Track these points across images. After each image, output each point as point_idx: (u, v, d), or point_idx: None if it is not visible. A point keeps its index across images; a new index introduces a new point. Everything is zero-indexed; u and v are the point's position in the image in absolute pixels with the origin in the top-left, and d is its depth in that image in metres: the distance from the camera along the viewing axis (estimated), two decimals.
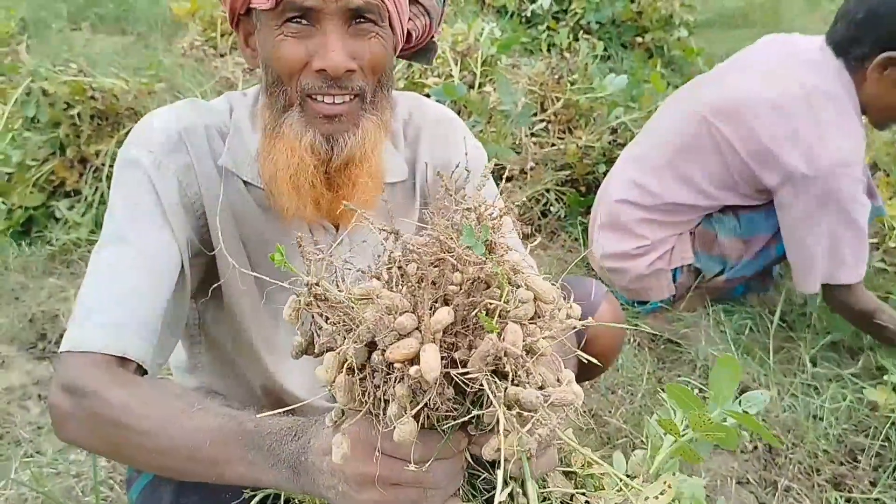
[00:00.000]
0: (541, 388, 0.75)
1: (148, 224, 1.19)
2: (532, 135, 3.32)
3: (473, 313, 0.76)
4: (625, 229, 2.55)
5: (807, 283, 2.41)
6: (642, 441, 2.11)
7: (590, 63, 3.82)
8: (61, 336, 2.47)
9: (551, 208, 3.16)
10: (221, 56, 4.70)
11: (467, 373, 0.73)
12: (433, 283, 0.75)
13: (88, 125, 2.99)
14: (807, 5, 6.56)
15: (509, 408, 0.74)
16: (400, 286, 0.79)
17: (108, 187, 3.01)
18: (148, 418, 0.99)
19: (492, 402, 0.73)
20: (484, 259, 0.76)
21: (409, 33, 1.28)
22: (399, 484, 0.83)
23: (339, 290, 0.79)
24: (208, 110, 1.30)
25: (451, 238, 0.77)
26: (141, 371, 1.13)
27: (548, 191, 3.16)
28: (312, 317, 0.81)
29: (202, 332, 1.44)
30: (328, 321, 0.79)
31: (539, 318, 0.79)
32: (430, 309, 0.75)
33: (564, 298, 0.82)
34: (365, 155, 1.19)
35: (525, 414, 0.74)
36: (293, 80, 1.15)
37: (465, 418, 0.79)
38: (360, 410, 0.80)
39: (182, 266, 1.21)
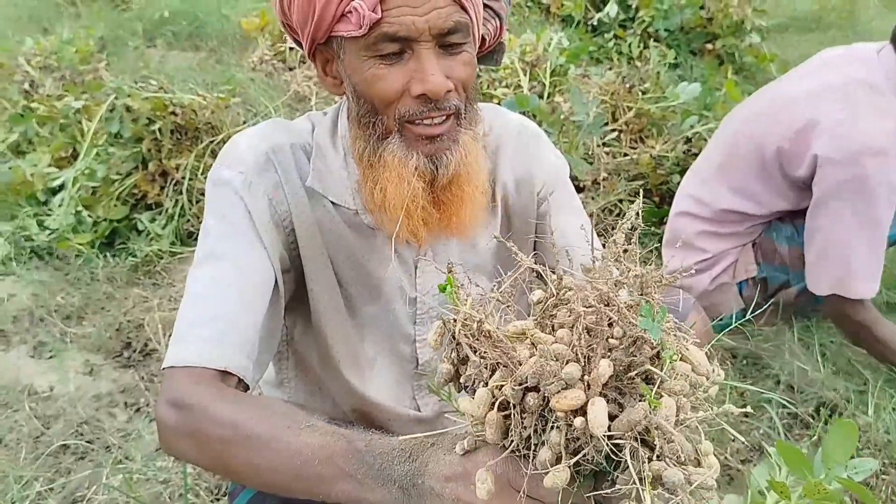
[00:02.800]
0: (682, 463, 0.74)
1: (242, 242, 1.20)
2: (604, 145, 3.30)
3: (629, 374, 0.76)
4: (686, 244, 2.51)
5: (813, 280, 2.30)
6: (726, 458, 2.06)
7: (661, 71, 3.77)
8: (146, 345, 2.58)
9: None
10: (290, 70, 4.79)
11: (613, 436, 0.73)
12: (592, 332, 0.75)
13: (169, 139, 3.09)
14: (884, 7, 6.34)
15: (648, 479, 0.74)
16: (552, 328, 0.78)
17: (188, 200, 3.11)
18: (255, 434, 1.00)
19: (630, 466, 0.73)
20: (658, 343, 0.75)
21: (482, 38, 1.27)
22: None
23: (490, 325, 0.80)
24: (293, 130, 1.32)
25: (614, 293, 0.77)
26: (242, 386, 1.15)
27: (621, 201, 3.12)
28: (457, 345, 0.81)
29: (290, 348, 1.46)
30: (476, 353, 0.79)
31: (691, 386, 0.78)
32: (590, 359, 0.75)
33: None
34: (469, 170, 1.19)
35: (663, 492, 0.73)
36: (390, 108, 1.14)
37: (603, 471, 0.79)
38: (500, 447, 0.80)
39: (276, 282, 1.22)
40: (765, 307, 2.50)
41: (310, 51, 1.21)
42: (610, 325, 0.77)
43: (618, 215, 3.14)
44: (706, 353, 0.82)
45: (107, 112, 3.13)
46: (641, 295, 0.79)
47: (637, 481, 0.72)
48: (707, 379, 0.81)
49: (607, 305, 0.76)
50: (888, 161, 2.12)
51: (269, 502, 1.22)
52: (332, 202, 1.28)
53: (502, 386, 0.78)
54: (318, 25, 1.14)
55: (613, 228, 3.11)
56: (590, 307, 0.77)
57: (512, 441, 0.79)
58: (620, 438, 0.73)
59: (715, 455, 0.82)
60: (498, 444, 0.81)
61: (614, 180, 3.12)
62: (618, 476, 0.77)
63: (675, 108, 3.44)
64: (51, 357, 2.54)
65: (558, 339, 0.78)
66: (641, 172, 3.19)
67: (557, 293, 0.83)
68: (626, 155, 3.28)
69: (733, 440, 2.12)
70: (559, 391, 0.73)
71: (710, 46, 4.90)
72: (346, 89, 1.21)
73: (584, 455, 0.74)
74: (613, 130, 3.36)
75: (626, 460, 0.73)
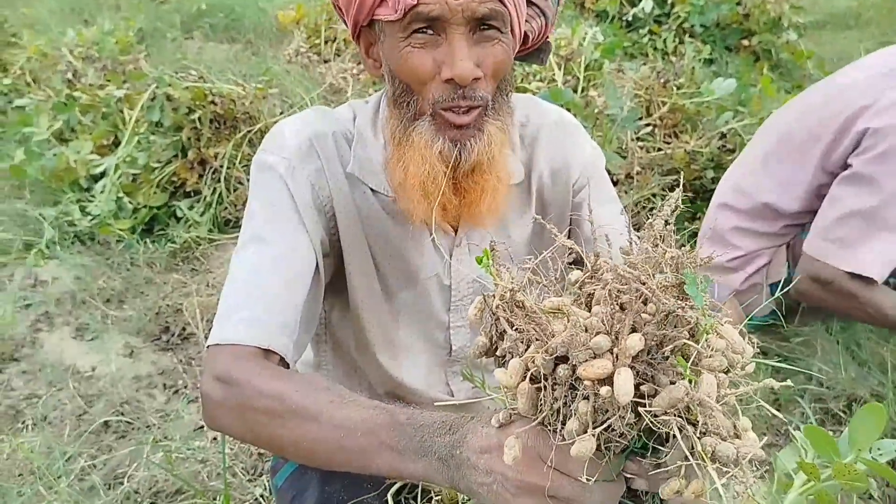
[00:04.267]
0: (724, 438, 0.75)
1: (285, 225, 1.23)
2: (638, 139, 3.30)
3: (662, 350, 0.77)
4: (720, 239, 2.49)
5: (820, 244, 2.20)
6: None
7: (696, 67, 3.75)
8: (184, 329, 2.64)
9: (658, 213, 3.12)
10: (325, 62, 4.84)
11: (650, 415, 0.74)
12: (625, 308, 0.77)
13: (208, 128, 3.14)
14: None
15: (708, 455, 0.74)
16: (587, 306, 0.80)
17: (226, 188, 3.17)
18: (300, 407, 1.02)
19: (677, 442, 0.73)
20: (700, 308, 0.76)
21: (525, 35, 1.27)
22: (556, 497, 0.83)
23: (525, 297, 0.82)
24: (335, 118, 1.35)
25: (650, 275, 0.78)
26: (283, 365, 1.17)
27: (654, 196, 3.12)
28: (496, 320, 0.84)
29: (328, 332, 1.49)
30: (513, 327, 0.81)
31: (730, 368, 0.79)
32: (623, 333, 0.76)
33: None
34: (492, 159, 1.20)
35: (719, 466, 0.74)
36: (423, 90, 1.17)
37: (643, 449, 0.81)
38: (534, 419, 0.81)
39: (317, 266, 1.25)
40: (768, 300, 2.48)
41: (354, 32, 1.25)
42: (644, 302, 0.79)
43: (651, 210, 3.14)
44: (739, 331, 0.84)
45: (148, 101, 3.20)
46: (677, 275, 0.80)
47: (689, 457, 0.73)
48: (742, 356, 0.82)
49: (643, 284, 0.78)
50: None
51: (310, 476, 1.24)
52: (372, 189, 1.30)
53: (535, 358, 0.80)
54: (360, 9, 1.18)
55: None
56: (624, 284, 0.78)
57: (543, 413, 0.81)
58: (663, 415, 0.74)
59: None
60: (530, 416, 0.82)
61: (648, 175, 3.12)
62: (667, 454, 0.79)
63: (710, 104, 3.42)
64: (93, 339, 2.61)
65: (593, 315, 0.80)
66: (675, 167, 3.18)
67: (594, 272, 0.85)
68: (659, 150, 3.27)
69: (765, 432, 2.12)
70: (587, 360, 0.75)
71: (746, 43, 4.86)
72: (384, 71, 1.24)
73: (610, 426, 0.75)
74: (648, 125, 3.36)
75: (674, 436, 0.74)
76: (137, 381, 2.43)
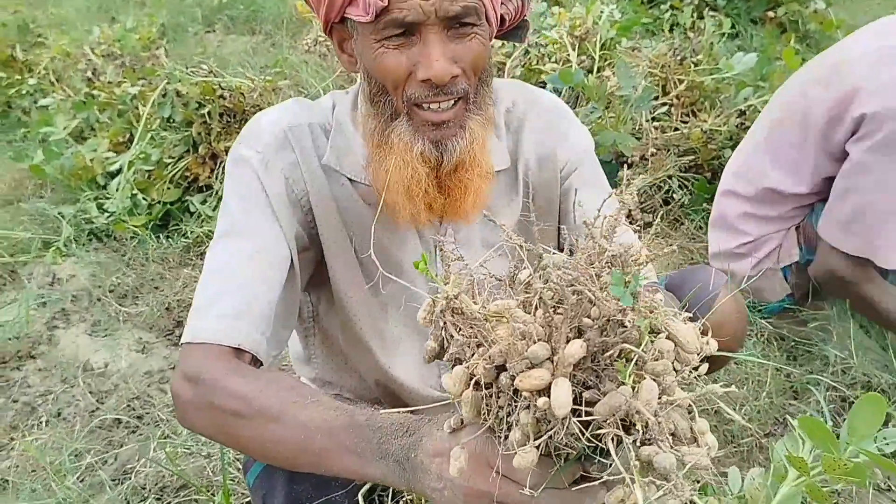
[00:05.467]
0: (672, 434, 0.72)
1: (259, 219, 1.23)
2: (653, 119, 3.21)
3: (606, 354, 0.74)
4: (729, 226, 2.42)
5: (837, 236, 2.14)
6: (766, 441, 2.01)
7: (716, 42, 3.64)
8: None
9: (674, 195, 3.04)
10: None
11: (594, 421, 0.71)
12: (568, 312, 0.74)
13: (218, 123, 3.15)
14: None
15: (640, 466, 0.71)
16: (535, 308, 0.77)
17: None
18: (264, 408, 1.02)
19: (613, 453, 0.71)
20: (629, 307, 0.73)
21: (501, 17, 1.26)
22: None
23: (475, 303, 0.79)
24: (313, 108, 1.34)
25: (591, 276, 0.75)
26: (256, 362, 1.18)
27: (670, 177, 3.04)
28: (444, 324, 0.82)
29: (316, 325, 1.49)
30: (459, 331, 0.79)
31: (678, 365, 0.75)
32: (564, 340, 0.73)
33: (703, 333, 0.78)
34: (474, 157, 1.20)
35: (656, 478, 0.71)
36: (398, 90, 1.16)
37: (589, 455, 0.78)
38: (482, 425, 0.80)
39: (291, 259, 1.25)
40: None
41: (325, 28, 1.24)
42: (591, 303, 0.76)
43: (666, 192, 3.06)
44: (699, 328, 0.80)
45: (159, 97, 3.21)
46: (623, 274, 0.76)
47: (622, 470, 0.71)
48: (697, 356, 0.78)
49: (585, 287, 0.74)
50: None
51: (278, 475, 1.25)
52: (350, 179, 1.30)
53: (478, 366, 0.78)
54: (331, 6, 1.17)
55: (662, 205, 3.04)
56: (559, 285, 0.75)
57: (489, 420, 0.79)
58: (603, 423, 0.71)
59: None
60: (477, 422, 0.81)
61: (663, 156, 3.05)
62: (611, 462, 0.76)
63: (730, 80, 3.32)
64: (106, 335, 2.64)
65: (533, 322, 0.77)
66: (692, 147, 3.10)
67: (537, 271, 0.81)
68: (676, 129, 3.18)
69: (777, 418, 2.06)
70: (523, 370, 0.72)
71: (771, 14, 4.70)
72: (359, 69, 1.22)
73: (553, 437, 0.72)
74: (663, 104, 3.27)
75: (608, 447, 0.71)
76: (149, 377, 2.46)
